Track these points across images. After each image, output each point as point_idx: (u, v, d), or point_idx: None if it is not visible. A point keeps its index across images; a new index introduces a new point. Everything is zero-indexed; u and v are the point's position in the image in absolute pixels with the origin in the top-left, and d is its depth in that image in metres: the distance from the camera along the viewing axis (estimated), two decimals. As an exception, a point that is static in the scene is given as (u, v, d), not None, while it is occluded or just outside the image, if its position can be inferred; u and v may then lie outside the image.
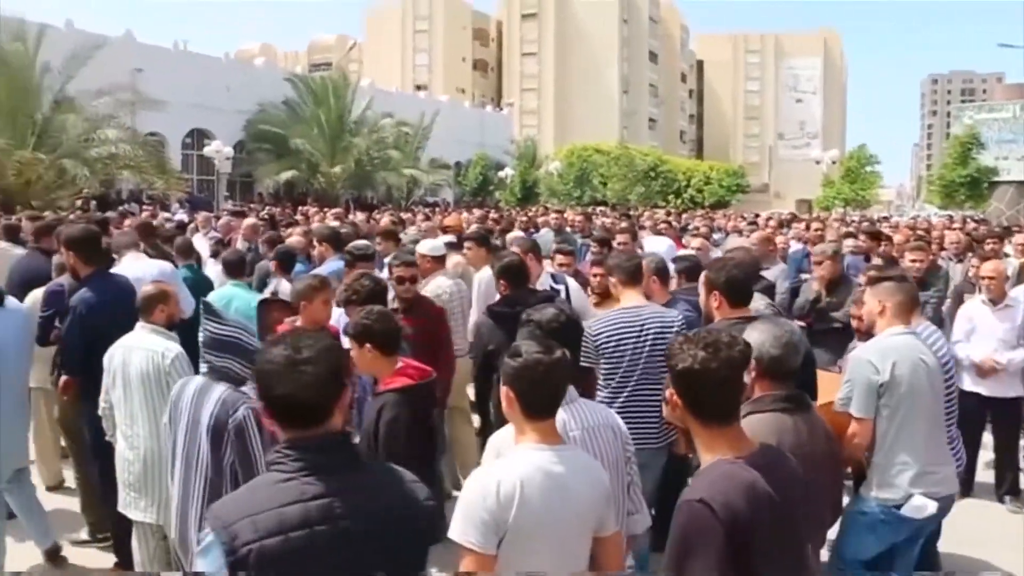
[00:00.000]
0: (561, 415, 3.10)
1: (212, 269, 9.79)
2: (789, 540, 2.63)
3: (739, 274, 4.46)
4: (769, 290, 8.05)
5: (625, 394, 4.75)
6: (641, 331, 4.78)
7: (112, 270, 6.65)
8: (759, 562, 2.47)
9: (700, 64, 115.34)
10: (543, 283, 6.71)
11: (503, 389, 2.89)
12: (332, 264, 7.63)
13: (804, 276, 9.12)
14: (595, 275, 6.81)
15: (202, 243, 11.21)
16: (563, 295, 6.56)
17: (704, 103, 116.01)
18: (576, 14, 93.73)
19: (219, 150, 33.30)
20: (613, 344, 4.75)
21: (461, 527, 2.68)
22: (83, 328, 5.44)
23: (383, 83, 55.53)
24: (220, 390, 3.83)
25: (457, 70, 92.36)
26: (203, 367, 3.99)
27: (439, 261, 7.11)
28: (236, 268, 7.49)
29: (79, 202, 26.16)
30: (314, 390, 2.24)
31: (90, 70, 27.76)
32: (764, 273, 8.52)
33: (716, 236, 14.86)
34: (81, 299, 5.57)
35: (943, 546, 5.04)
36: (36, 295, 6.40)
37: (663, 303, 5.43)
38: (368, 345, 3.90)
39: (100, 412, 4.93)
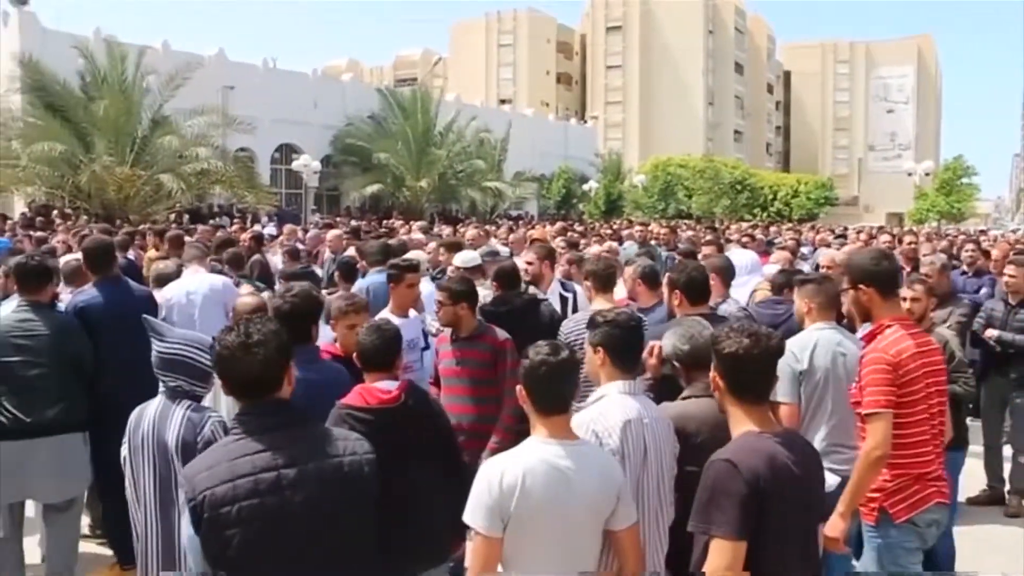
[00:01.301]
0: (635, 403, 3.46)
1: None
2: (802, 509, 2.98)
3: (698, 276, 5.04)
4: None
5: None
6: None
7: (174, 282, 7.05)
8: (773, 523, 2.83)
9: (787, 75, 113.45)
10: (553, 289, 7.24)
11: (518, 387, 3.14)
12: (372, 277, 7.64)
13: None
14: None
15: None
16: (571, 300, 7.15)
17: (791, 114, 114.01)
18: (661, 26, 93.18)
19: (307, 164, 33.88)
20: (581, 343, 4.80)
21: (471, 511, 2.97)
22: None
23: (467, 97, 55.91)
24: (182, 411, 3.63)
25: (541, 83, 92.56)
26: (160, 387, 3.78)
27: (475, 272, 7.28)
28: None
29: (173, 215, 26.92)
30: (264, 368, 2.77)
31: (184, 88, 28.57)
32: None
33: (804, 249, 14.55)
34: (72, 302, 5.86)
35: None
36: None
37: (648, 306, 5.79)
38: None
39: None
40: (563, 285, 7.43)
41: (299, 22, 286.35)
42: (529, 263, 7.29)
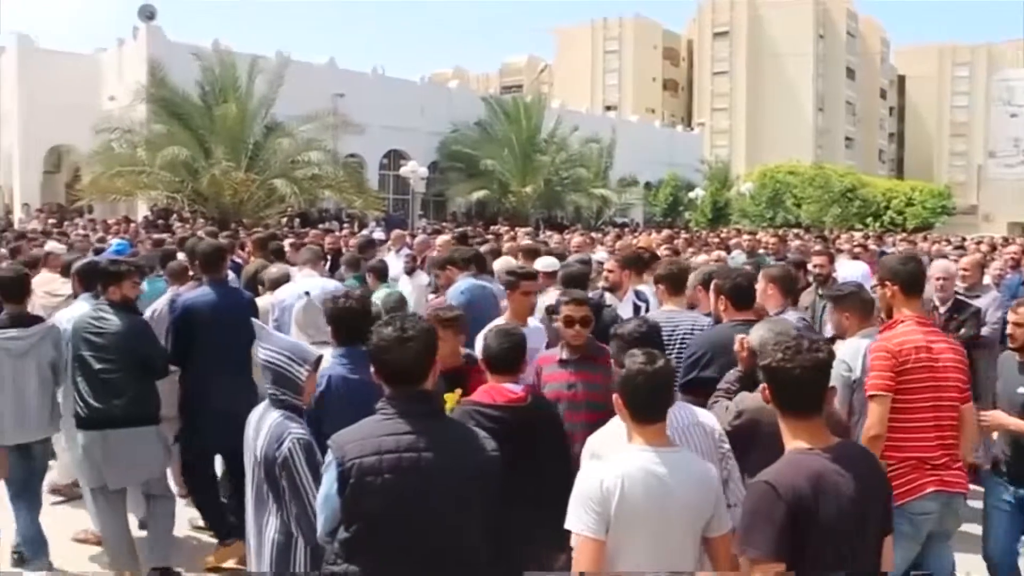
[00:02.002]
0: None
1: (406, 286, 10.08)
2: (852, 530, 2.88)
3: (743, 282, 5.12)
4: (977, 316, 7.52)
5: None
6: (672, 333, 5.40)
7: (288, 284, 7.26)
8: (817, 542, 2.81)
9: (901, 79, 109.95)
10: (628, 298, 7.27)
11: (614, 396, 3.21)
12: (461, 283, 7.62)
13: None
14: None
15: (395, 261, 11.51)
16: (643, 309, 7.07)
17: (905, 120, 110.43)
18: (769, 31, 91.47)
19: (414, 170, 34.32)
20: None
21: (574, 516, 3.04)
22: (175, 326, 6.06)
23: (573, 104, 55.88)
24: (270, 421, 3.68)
25: (647, 90, 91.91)
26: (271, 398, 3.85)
27: (553, 276, 7.49)
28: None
29: (284, 220, 27.63)
30: (416, 361, 3.10)
31: (296, 95, 29.32)
32: (975, 301, 7.97)
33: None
34: (183, 299, 6.34)
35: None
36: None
37: (705, 313, 5.84)
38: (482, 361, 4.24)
39: None
40: (637, 294, 7.44)
41: (407, 31, 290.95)
42: (610, 271, 7.56)
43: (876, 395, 4.29)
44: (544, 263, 7.88)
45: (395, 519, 3.00)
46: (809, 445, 2.96)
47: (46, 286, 8.06)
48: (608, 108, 79.17)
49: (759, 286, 5.54)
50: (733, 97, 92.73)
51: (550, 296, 6.98)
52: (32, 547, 5.72)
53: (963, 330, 7.33)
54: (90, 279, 6.38)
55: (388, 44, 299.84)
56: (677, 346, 5.35)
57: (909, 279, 4.60)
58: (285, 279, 8.00)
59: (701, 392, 4.07)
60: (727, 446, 3.77)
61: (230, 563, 5.87)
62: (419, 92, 42.84)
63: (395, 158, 40.75)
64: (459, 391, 4.49)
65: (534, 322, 5.92)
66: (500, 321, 5.68)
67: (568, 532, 3.65)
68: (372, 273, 9.07)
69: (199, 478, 6.24)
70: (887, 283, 4.65)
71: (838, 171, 64.03)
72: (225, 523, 5.99)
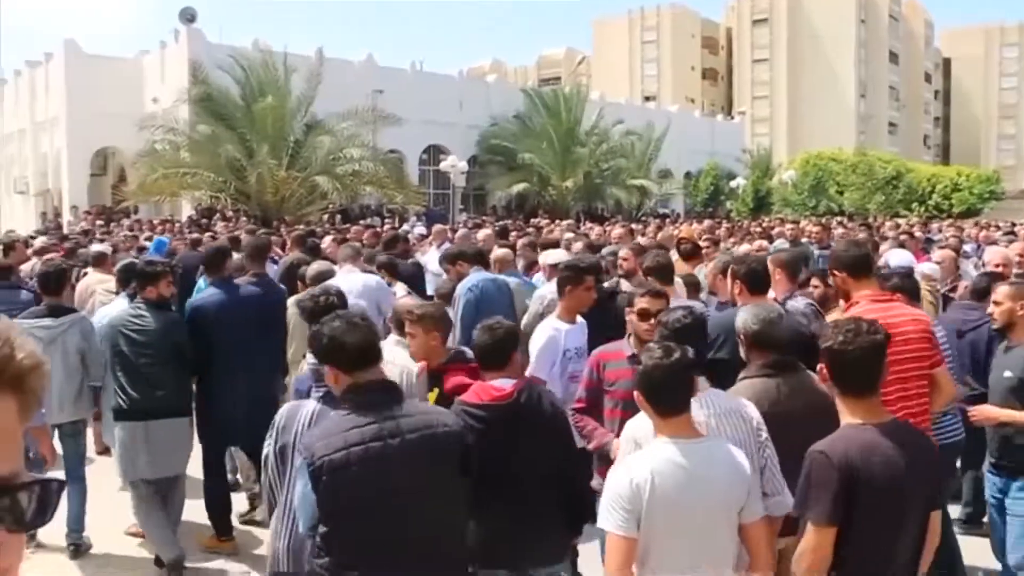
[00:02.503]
0: (692, 403, 3.35)
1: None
2: (899, 500, 3.06)
3: (758, 267, 5.30)
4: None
5: None
6: None
7: (329, 281, 7.33)
8: (866, 509, 2.99)
9: (947, 62, 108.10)
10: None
11: (635, 392, 3.27)
12: (472, 278, 7.60)
13: None
14: (814, 286, 6.83)
15: (435, 255, 11.49)
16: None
17: (951, 104, 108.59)
18: (809, 17, 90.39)
19: (454, 164, 34.39)
20: None
21: (604, 514, 3.09)
22: (192, 328, 6.21)
23: (612, 94, 55.67)
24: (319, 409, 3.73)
25: (686, 79, 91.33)
26: (316, 392, 3.83)
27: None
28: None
29: (325, 216, 27.82)
30: (367, 341, 3.27)
31: (336, 92, 29.51)
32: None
33: (967, 247, 13.78)
34: (188, 305, 6.58)
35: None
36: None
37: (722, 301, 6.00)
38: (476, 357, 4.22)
39: None
40: None
41: (444, 25, 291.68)
42: (624, 259, 7.78)
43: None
44: (553, 256, 8.12)
45: (369, 509, 3.14)
46: (863, 421, 3.13)
47: (105, 284, 8.41)
48: (647, 99, 78.70)
49: (711, 278, 5.88)
50: (773, 85, 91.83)
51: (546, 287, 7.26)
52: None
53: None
54: (127, 278, 6.84)
55: (425, 39, 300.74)
56: None
57: (853, 264, 4.86)
58: (328, 275, 8.05)
59: (713, 374, 4.05)
60: (765, 434, 3.73)
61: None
62: (457, 86, 42.90)
63: (434, 153, 40.87)
64: (436, 390, 4.60)
65: (581, 319, 5.77)
66: (552, 318, 5.70)
67: (561, 527, 4.07)
68: (383, 269, 8.92)
69: (213, 476, 6.44)
70: (835, 272, 4.97)
71: (882, 157, 63.10)
72: (227, 522, 6.31)
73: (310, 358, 3.96)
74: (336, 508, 3.12)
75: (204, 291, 6.84)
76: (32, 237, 15.83)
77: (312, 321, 4.00)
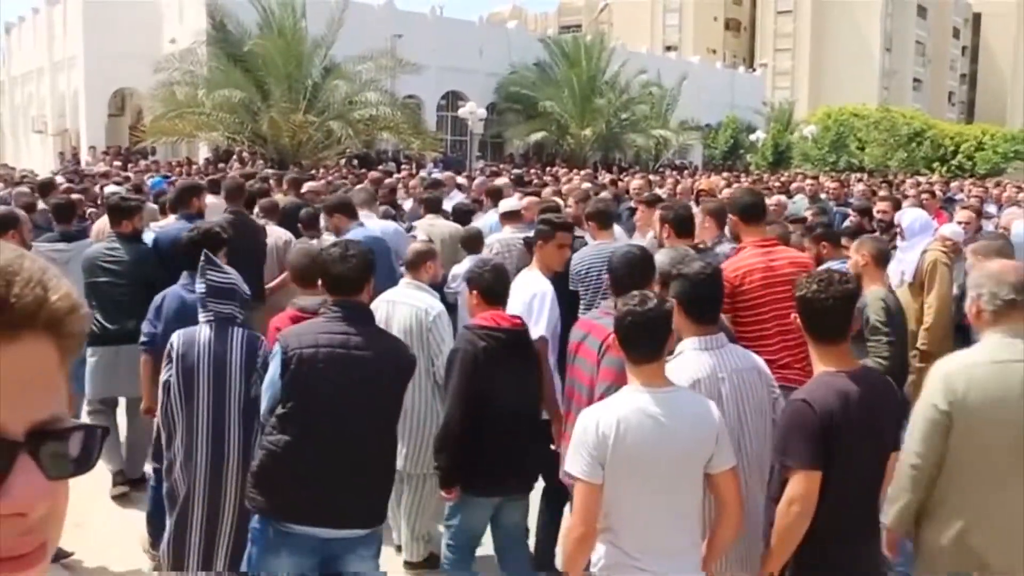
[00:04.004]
0: (709, 359, 3.53)
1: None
2: (872, 439, 3.24)
3: (684, 213, 5.71)
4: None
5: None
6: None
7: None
8: (844, 454, 3.14)
9: (976, 17, 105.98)
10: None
11: (611, 336, 3.37)
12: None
13: None
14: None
15: (448, 204, 11.41)
16: None
17: (979, 61, 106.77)
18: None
19: (472, 111, 34.16)
20: (584, 271, 5.80)
21: (570, 460, 3.17)
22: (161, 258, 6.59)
23: (632, 44, 54.97)
24: (240, 333, 4.22)
25: (708, 30, 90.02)
26: (203, 316, 4.24)
27: (515, 217, 7.86)
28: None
29: (343, 160, 27.74)
30: (353, 273, 3.76)
31: (354, 37, 29.24)
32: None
33: (989, 208, 13.61)
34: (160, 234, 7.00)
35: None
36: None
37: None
38: (475, 292, 4.44)
39: None
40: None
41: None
42: (569, 207, 8.15)
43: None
44: (505, 204, 8.21)
45: (325, 399, 3.62)
46: (836, 368, 3.26)
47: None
48: (668, 48, 77.69)
49: (703, 221, 6.07)
50: (797, 37, 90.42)
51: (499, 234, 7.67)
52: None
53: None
54: (112, 214, 7.08)
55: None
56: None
57: (744, 209, 5.30)
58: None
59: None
60: (778, 391, 3.80)
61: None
62: (477, 33, 42.52)
63: (453, 99, 40.62)
64: None
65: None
66: (530, 272, 5.42)
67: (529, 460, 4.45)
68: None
69: None
70: (729, 215, 5.55)
71: (905, 114, 62.27)
72: None
73: (199, 286, 4.29)
74: (296, 394, 3.60)
75: (173, 224, 7.18)
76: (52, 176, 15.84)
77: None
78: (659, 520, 3.16)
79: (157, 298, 5.24)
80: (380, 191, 11.18)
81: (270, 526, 3.64)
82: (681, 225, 5.56)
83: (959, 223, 8.57)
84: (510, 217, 7.97)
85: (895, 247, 7.15)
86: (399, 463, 4.89)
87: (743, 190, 6.58)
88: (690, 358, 3.56)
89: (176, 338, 4.23)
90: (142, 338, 5.18)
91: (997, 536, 3.35)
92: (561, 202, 9.41)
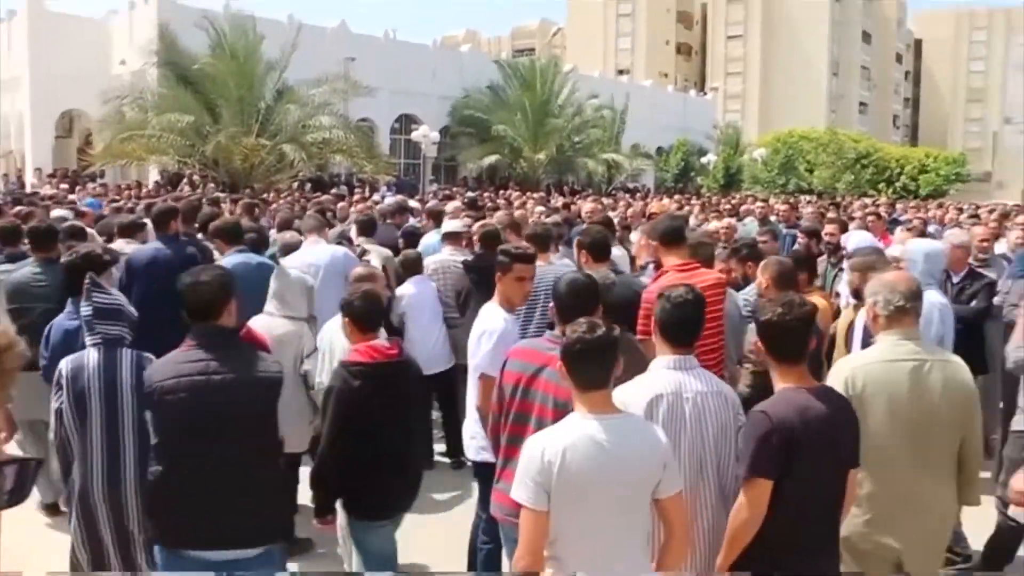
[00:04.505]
0: (677, 378, 3.60)
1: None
2: (831, 454, 3.36)
3: (600, 238, 5.92)
4: (991, 288, 7.43)
5: (532, 329, 6.06)
6: (538, 284, 5.79)
7: (295, 253, 7.40)
8: (802, 466, 3.27)
9: (918, 43, 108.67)
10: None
11: (557, 363, 3.28)
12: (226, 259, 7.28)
13: None
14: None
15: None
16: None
17: (921, 85, 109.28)
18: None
19: (426, 135, 34.15)
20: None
21: (516, 487, 3.16)
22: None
23: (585, 67, 55.44)
24: (130, 355, 4.20)
25: (660, 54, 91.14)
26: (90, 339, 4.21)
27: (457, 239, 8.33)
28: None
29: (295, 184, 27.58)
30: (206, 297, 3.84)
31: (307, 59, 29.14)
32: (986, 271, 7.87)
33: (931, 228, 13.90)
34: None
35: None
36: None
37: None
38: (347, 320, 4.54)
39: (315, 387, 5.38)
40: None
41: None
42: (498, 233, 8.06)
43: (641, 339, 4.77)
44: (449, 226, 8.62)
45: (189, 428, 3.70)
46: (796, 385, 3.43)
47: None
48: (621, 72, 78.56)
49: (640, 241, 6.53)
50: (747, 61, 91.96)
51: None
52: None
53: (974, 302, 7.26)
54: (36, 240, 7.08)
55: (400, 7, 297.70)
56: (543, 295, 5.94)
57: (664, 234, 5.55)
58: (296, 246, 8.03)
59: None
60: (743, 417, 3.77)
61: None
62: (431, 56, 42.60)
63: (406, 122, 40.59)
64: None
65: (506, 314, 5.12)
66: (489, 307, 5.14)
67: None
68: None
69: None
70: (650, 241, 5.78)
71: (852, 137, 63.48)
72: None
73: (84, 309, 4.25)
74: (162, 426, 3.74)
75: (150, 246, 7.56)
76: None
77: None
78: (606, 546, 3.15)
79: (47, 329, 5.27)
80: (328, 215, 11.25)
81: (164, 552, 3.80)
82: (598, 250, 5.79)
83: (899, 243, 8.78)
84: (451, 238, 8.29)
85: (842, 269, 7.32)
86: None
87: (664, 216, 6.90)
88: (659, 375, 3.64)
89: (64, 364, 4.19)
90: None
91: (890, 517, 3.88)
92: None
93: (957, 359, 4.13)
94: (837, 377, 4.01)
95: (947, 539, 4.28)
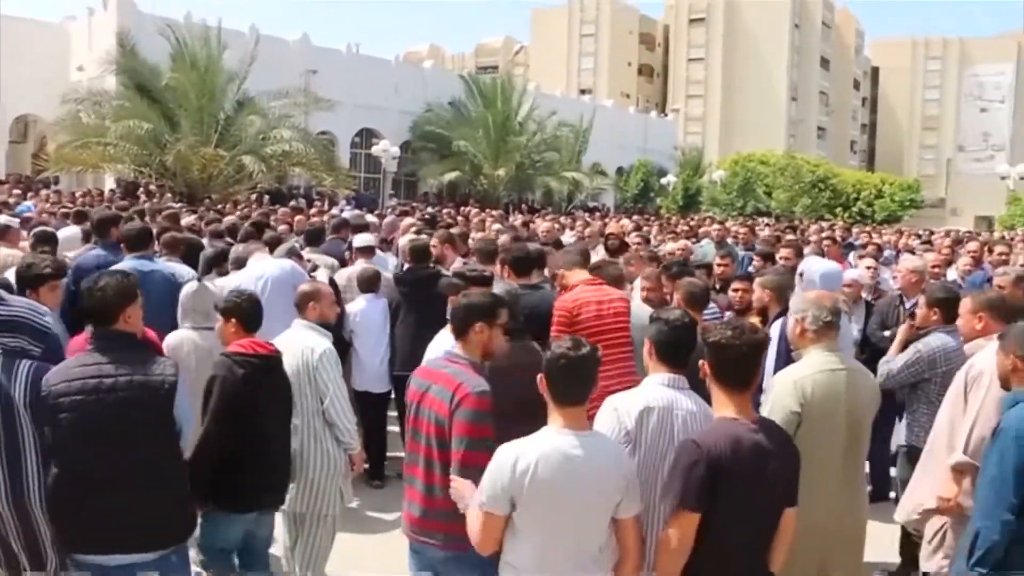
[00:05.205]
0: (670, 394, 3.67)
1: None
2: (764, 490, 3.31)
3: (520, 254, 6.48)
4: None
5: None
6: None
7: (243, 269, 7.60)
8: (730, 500, 3.22)
9: (875, 71, 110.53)
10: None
11: (539, 377, 3.30)
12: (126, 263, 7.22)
13: None
14: (735, 290, 7.34)
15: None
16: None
17: (878, 112, 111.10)
18: (745, 19, 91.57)
19: (386, 149, 34.14)
20: None
21: (482, 488, 3.25)
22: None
23: (548, 86, 55.74)
24: (26, 366, 3.99)
25: (622, 75, 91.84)
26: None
27: (369, 252, 8.76)
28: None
29: (253, 196, 27.39)
30: (102, 305, 3.88)
31: (268, 71, 29.07)
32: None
33: (887, 253, 14.12)
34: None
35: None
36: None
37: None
38: (233, 320, 4.71)
39: None
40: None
41: (382, 6, 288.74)
42: (433, 246, 8.45)
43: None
44: (360, 240, 8.93)
45: (80, 432, 3.71)
46: (735, 416, 3.37)
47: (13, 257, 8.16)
48: (583, 92, 78.99)
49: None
50: (708, 84, 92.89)
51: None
52: None
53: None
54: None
55: (363, 21, 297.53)
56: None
57: (573, 258, 6.39)
58: (246, 260, 7.95)
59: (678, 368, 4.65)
60: None
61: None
62: (393, 71, 42.62)
63: (367, 137, 40.58)
64: None
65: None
66: (443, 331, 5.10)
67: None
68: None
69: None
70: (560, 271, 6.45)
71: (810, 161, 64.30)
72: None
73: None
74: (56, 430, 3.73)
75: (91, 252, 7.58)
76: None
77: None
78: (561, 562, 3.24)
79: None
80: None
81: (68, 557, 3.85)
82: (518, 265, 6.37)
83: (867, 268, 8.92)
84: (364, 252, 8.68)
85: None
86: (294, 504, 4.96)
87: (575, 243, 8.19)
88: (653, 390, 3.72)
89: None
90: None
91: (827, 515, 4.05)
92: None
93: (864, 367, 4.56)
94: (785, 386, 4.21)
95: (863, 543, 4.45)
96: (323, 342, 5.05)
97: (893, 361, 5.83)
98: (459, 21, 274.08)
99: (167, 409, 3.87)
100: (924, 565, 4.69)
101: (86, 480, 3.74)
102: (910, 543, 5.56)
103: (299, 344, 5.00)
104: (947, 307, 5.61)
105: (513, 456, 3.19)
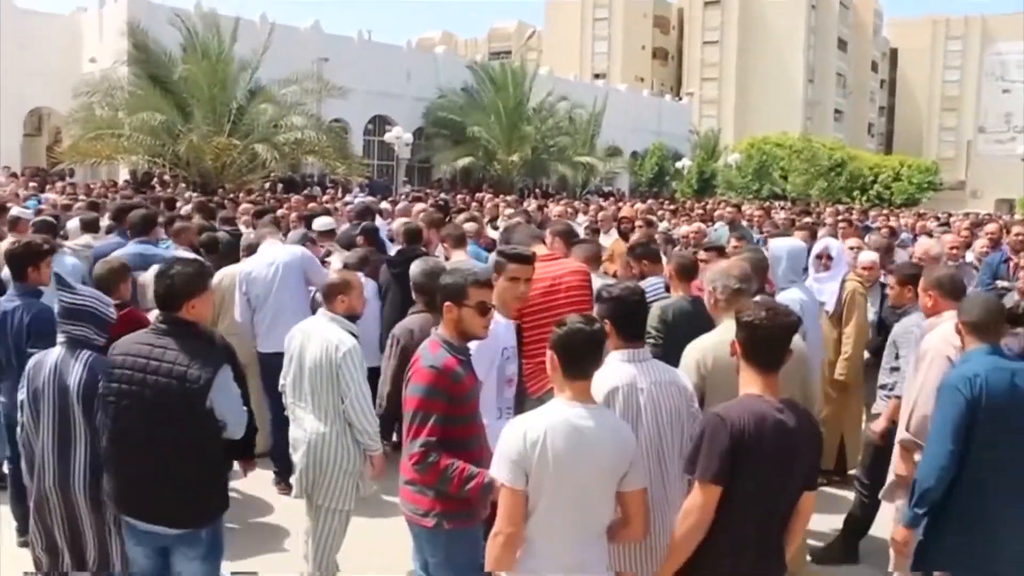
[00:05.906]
0: (631, 370, 3.77)
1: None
2: (784, 470, 3.27)
3: (456, 232, 7.47)
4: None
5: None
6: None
7: (254, 256, 7.53)
8: (749, 474, 3.20)
9: (894, 52, 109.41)
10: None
11: (548, 353, 3.34)
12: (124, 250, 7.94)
13: (1000, 283, 8.35)
14: (703, 260, 7.31)
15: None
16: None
17: (896, 93, 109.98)
18: (761, 1, 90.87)
19: (399, 136, 34.04)
20: None
21: (496, 465, 3.29)
22: None
23: (561, 71, 55.45)
24: (85, 357, 4.12)
25: (636, 58, 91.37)
26: (60, 337, 4.20)
27: (328, 237, 9.02)
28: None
29: (267, 184, 27.38)
30: (170, 289, 3.95)
31: (280, 59, 28.98)
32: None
33: (903, 236, 13.96)
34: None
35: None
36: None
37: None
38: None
39: (279, 389, 5.20)
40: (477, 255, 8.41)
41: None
42: (419, 230, 8.49)
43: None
44: (320, 223, 9.14)
45: (125, 407, 3.87)
46: (761, 393, 3.35)
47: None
48: (597, 76, 78.56)
49: (548, 240, 6.57)
50: (723, 67, 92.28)
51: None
52: None
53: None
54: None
55: (375, 8, 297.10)
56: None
57: (533, 232, 6.44)
58: (257, 247, 7.90)
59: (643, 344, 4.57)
60: (696, 406, 4.00)
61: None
62: (405, 57, 42.48)
63: (380, 124, 40.47)
64: None
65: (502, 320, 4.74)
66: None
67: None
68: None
69: None
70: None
71: (826, 144, 63.81)
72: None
73: (56, 307, 4.33)
74: (105, 403, 3.93)
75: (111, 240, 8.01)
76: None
77: None
78: (570, 535, 3.27)
79: None
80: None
81: (119, 516, 4.07)
82: (454, 240, 7.39)
83: (850, 248, 8.75)
84: (326, 236, 8.92)
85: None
86: (315, 495, 4.92)
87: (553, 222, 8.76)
88: (613, 367, 3.76)
89: (33, 359, 4.29)
90: None
91: None
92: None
93: None
94: (689, 359, 4.35)
95: None
96: (348, 339, 4.83)
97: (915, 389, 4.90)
98: (472, 6, 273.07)
99: (197, 402, 3.85)
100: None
101: (123, 451, 3.92)
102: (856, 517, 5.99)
103: (323, 338, 4.85)
104: (918, 283, 5.57)
105: (521, 429, 3.23)
